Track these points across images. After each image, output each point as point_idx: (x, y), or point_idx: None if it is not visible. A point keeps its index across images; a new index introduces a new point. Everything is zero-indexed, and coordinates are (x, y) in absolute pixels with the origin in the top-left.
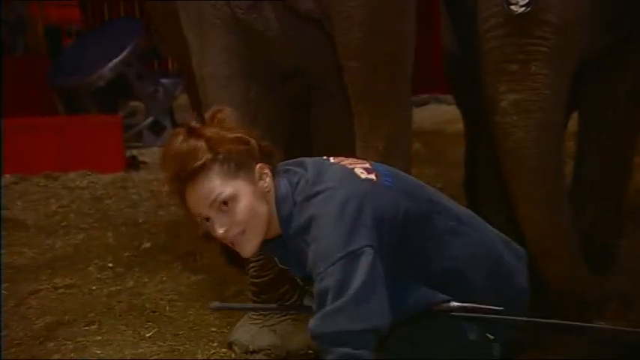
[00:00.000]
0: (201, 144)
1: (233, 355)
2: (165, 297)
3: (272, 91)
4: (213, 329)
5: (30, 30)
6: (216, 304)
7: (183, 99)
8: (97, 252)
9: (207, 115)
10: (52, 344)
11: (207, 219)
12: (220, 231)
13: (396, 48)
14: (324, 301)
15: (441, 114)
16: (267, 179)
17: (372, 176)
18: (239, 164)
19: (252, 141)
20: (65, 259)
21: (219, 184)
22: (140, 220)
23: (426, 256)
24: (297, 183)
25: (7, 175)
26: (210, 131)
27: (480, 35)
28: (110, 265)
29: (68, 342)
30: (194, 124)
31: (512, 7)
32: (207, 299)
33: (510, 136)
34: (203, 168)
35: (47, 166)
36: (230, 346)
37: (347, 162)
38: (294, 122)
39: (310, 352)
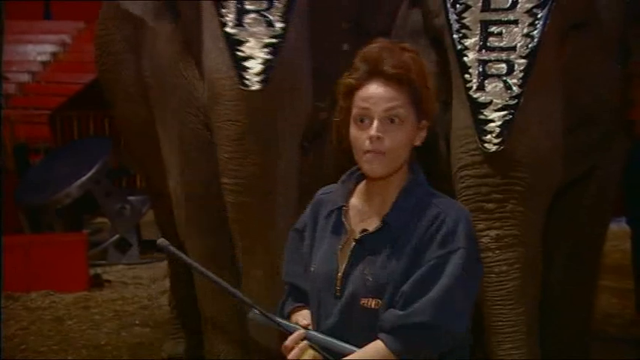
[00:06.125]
0: (415, 67)
1: None
2: None
3: None
4: None
5: None
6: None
7: (149, 216)
8: None
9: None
10: None
11: (362, 120)
12: (375, 133)
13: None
14: None
15: None
16: (421, 138)
17: None
18: (421, 108)
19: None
20: None
21: (405, 104)
22: (102, 342)
23: None
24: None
25: None
26: (420, 66)
27: (454, 172)
28: None
29: None
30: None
31: (486, 144)
32: None
33: (494, 269)
34: (406, 80)
35: (9, 286)
36: None
37: None
38: None
39: None
